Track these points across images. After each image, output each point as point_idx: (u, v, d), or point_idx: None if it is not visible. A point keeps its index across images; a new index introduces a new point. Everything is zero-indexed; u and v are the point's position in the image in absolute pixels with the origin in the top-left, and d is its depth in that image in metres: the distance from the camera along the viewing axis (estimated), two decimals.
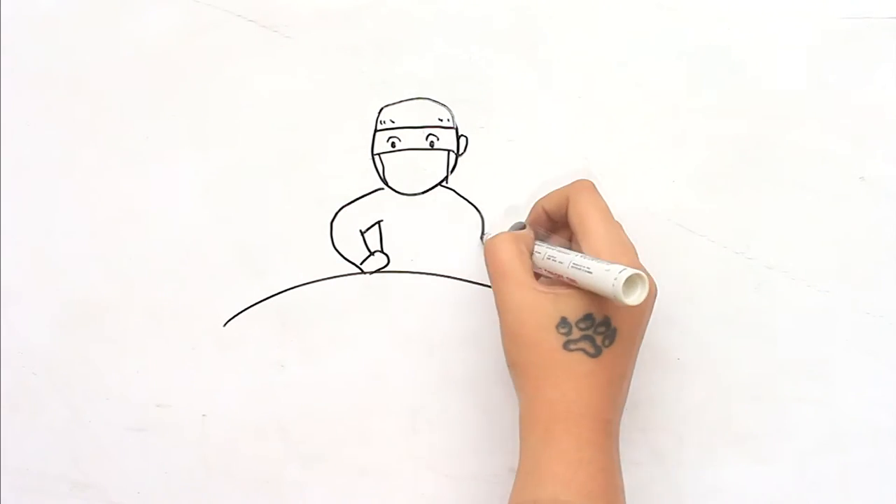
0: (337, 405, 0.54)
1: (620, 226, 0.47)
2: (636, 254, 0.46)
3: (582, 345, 0.44)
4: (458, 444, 0.53)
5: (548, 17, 0.53)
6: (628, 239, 0.46)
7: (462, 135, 0.54)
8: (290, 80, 0.54)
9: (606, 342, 0.44)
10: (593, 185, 0.49)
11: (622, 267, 0.41)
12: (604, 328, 0.44)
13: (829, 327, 0.52)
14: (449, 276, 0.53)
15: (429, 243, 0.54)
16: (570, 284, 0.44)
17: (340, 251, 0.54)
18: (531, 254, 0.48)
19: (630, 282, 0.41)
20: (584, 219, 0.46)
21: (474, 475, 0.51)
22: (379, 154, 0.54)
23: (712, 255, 0.53)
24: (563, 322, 0.44)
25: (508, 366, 0.46)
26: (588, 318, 0.44)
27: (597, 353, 0.44)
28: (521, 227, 0.51)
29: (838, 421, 0.52)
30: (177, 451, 0.53)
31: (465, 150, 0.54)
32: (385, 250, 0.54)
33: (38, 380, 0.54)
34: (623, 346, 0.44)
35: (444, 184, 0.54)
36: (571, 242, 0.49)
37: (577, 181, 0.49)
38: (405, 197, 0.54)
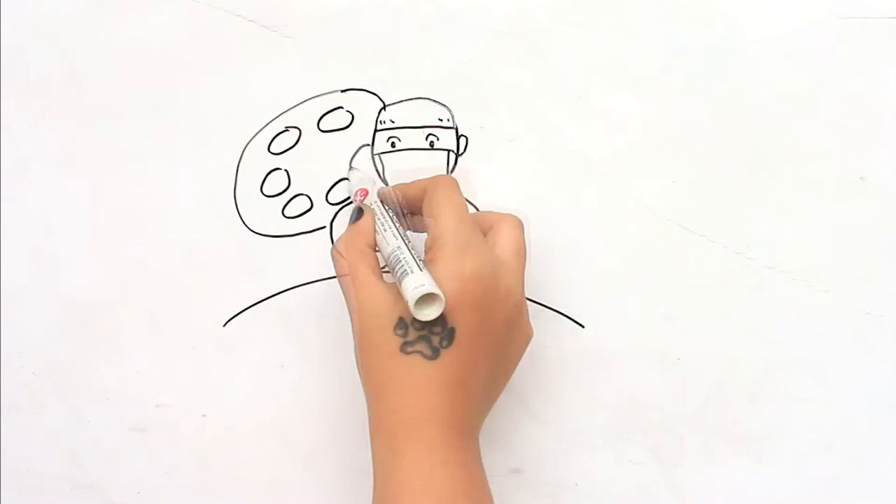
0: (337, 405, 0.53)
1: (475, 226, 0.45)
2: (488, 251, 0.44)
3: (419, 346, 0.42)
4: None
5: (548, 17, 0.53)
6: (480, 237, 0.44)
7: (462, 135, 0.54)
8: (290, 80, 0.54)
9: (444, 343, 0.42)
10: (454, 182, 0.46)
11: (420, 283, 0.41)
12: (440, 328, 0.42)
13: (829, 327, 0.52)
14: None
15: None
16: None
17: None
18: (375, 248, 0.46)
19: (425, 299, 0.40)
20: (437, 214, 0.44)
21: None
22: (379, 154, 0.54)
23: (712, 255, 0.53)
24: (401, 323, 0.42)
25: (357, 371, 0.45)
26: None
27: (434, 356, 0.42)
28: (359, 214, 0.48)
29: (838, 421, 0.52)
30: (177, 451, 0.53)
31: (465, 150, 0.54)
32: None
33: (38, 380, 0.54)
34: (465, 347, 0.42)
35: None
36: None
37: (437, 176, 0.47)
38: None
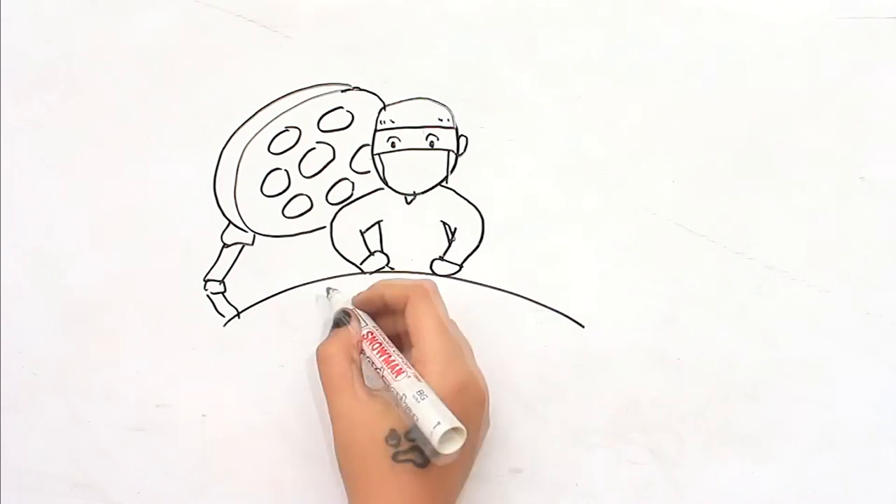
0: None
1: (453, 335, 0.47)
2: (464, 361, 0.46)
3: (410, 455, 0.44)
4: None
5: (547, 18, 0.53)
6: (459, 348, 0.46)
7: (462, 135, 0.54)
8: (290, 80, 0.54)
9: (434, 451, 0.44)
10: (433, 290, 0.48)
11: (439, 420, 0.42)
12: None
13: (829, 327, 0.52)
14: (449, 276, 0.53)
15: (429, 243, 0.54)
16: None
17: (340, 251, 0.54)
18: (361, 352, 0.47)
19: (447, 434, 0.42)
20: (419, 328, 0.46)
21: (474, 475, 0.51)
22: (379, 154, 0.54)
23: (712, 255, 0.53)
24: (392, 434, 0.44)
25: (341, 474, 0.46)
26: (416, 428, 0.43)
27: (425, 463, 0.43)
28: (346, 318, 0.49)
29: (838, 421, 0.52)
30: (177, 451, 0.53)
31: (465, 150, 0.54)
32: (385, 250, 0.54)
33: (38, 380, 0.54)
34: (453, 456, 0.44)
35: (444, 184, 0.54)
36: (403, 336, 0.49)
37: (419, 284, 0.48)
38: (405, 197, 0.54)
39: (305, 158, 0.54)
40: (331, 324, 0.49)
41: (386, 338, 0.48)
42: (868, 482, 0.52)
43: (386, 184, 0.54)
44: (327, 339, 0.48)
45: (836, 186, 0.52)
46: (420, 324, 0.46)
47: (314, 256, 0.54)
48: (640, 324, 0.53)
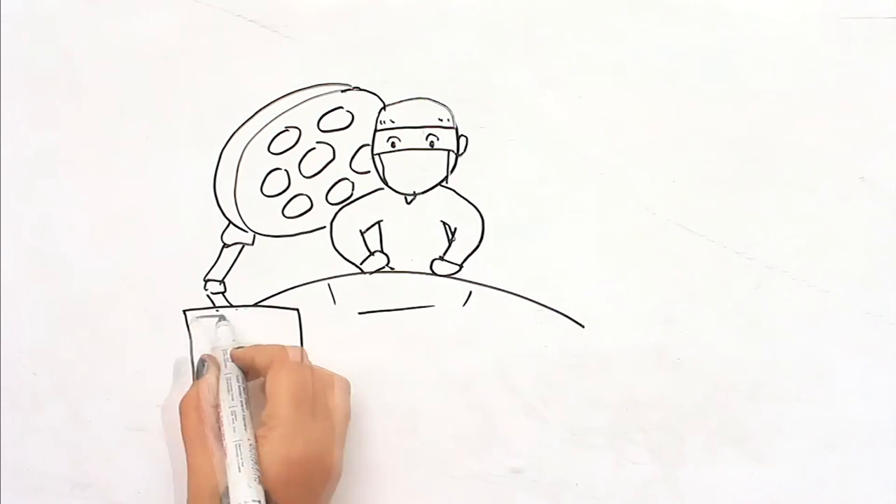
0: None
1: (316, 400, 0.48)
2: (313, 432, 0.47)
3: None
4: (458, 444, 0.53)
5: (548, 17, 0.53)
6: (310, 418, 0.47)
7: (462, 135, 0.54)
8: (291, 80, 0.54)
9: None
10: (298, 357, 0.50)
11: (249, 498, 0.44)
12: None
13: (829, 327, 0.52)
14: (449, 276, 0.53)
15: (429, 243, 0.54)
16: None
17: (340, 251, 0.54)
18: (216, 399, 0.49)
19: None
20: (273, 395, 0.47)
21: (474, 475, 0.51)
22: (379, 154, 0.54)
23: (712, 255, 0.53)
24: (226, 493, 0.45)
25: None
26: (226, 495, 0.44)
27: None
28: (205, 367, 0.50)
29: (838, 421, 0.52)
30: (177, 451, 0.53)
31: (465, 150, 0.54)
32: (385, 250, 0.54)
33: (38, 380, 0.54)
34: None
35: (444, 184, 0.54)
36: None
37: (286, 349, 0.50)
38: (405, 197, 0.54)
39: (305, 158, 0.54)
40: (193, 366, 0.52)
41: (240, 390, 0.49)
42: (868, 482, 0.52)
43: (386, 184, 0.54)
44: (189, 389, 0.49)
45: (836, 186, 0.52)
46: (274, 390, 0.48)
47: (314, 256, 0.54)
48: (640, 324, 0.53)
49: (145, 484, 0.54)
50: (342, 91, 0.54)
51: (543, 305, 0.53)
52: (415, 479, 0.54)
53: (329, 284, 0.54)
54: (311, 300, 0.54)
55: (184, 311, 0.53)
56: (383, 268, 0.54)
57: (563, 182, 0.53)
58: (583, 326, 0.53)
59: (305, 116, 0.54)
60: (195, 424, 0.47)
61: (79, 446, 0.54)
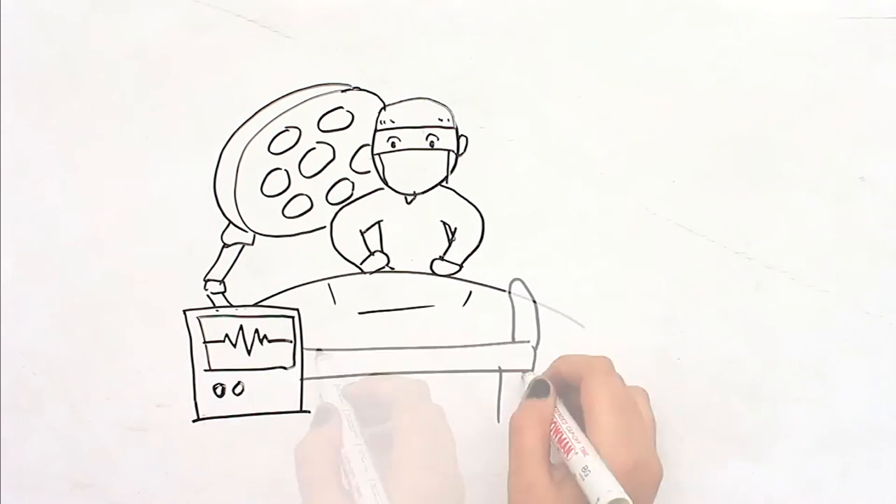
0: None
1: (633, 408, 0.47)
2: (638, 440, 0.46)
3: None
4: (458, 443, 0.53)
5: (548, 17, 0.53)
6: (633, 426, 0.46)
7: (462, 135, 0.54)
8: (291, 80, 0.54)
9: None
10: (608, 367, 0.48)
11: (608, 488, 0.42)
12: None
13: (829, 327, 0.52)
14: (449, 276, 0.53)
15: (429, 243, 0.54)
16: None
17: (340, 251, 0.54)
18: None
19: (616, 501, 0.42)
20: (593, 406, 0.46)
21: (474, 475, 0.51)
22: (379, 154, 0.54)
23: (712, 255, 0.53)
24: None
25: None
26: None
27: None
28: (545, 389, 0.49)
29: (838, 421, 0.52)
30: (177, 451, 0.53)
31: (465, 150, 0.54)
32: (385, 250, 0.54)
33: (38, 380, 0.54)
34: None
35: (444, 184, 0.54)
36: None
37: (595, 360, 0.49)
38: (405, 197, 0.54)
39: (305, 158, 0.54)
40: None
41: (565, 412, 0.48)
42: (868, 482, 0.52)
43: (386, 184, 0.54)
44: (522, 409, 0.48)
45: (836, 186, 0.52)
46: (593, 401, 0.46)
47: (314, 256, 0.54)
48: (640, 324, 0.53)
49: (145, 484, 0.54)
50: (342, 91, 0.54)
51: (543, 305, 0.53)
52: (415, 479, 0.54)
53: (329, 284, 0.54)
54: (311, 300, 0.54)
55: (184, 311, 0.53)
56: (383, 268, 0.54)
57: (563, 182, 0.53)
58: (583, 326, 0.53)
59: (305, 116, 0.54)
60: (534, 447, 0.46)
61: (79, 446, 0.54)
